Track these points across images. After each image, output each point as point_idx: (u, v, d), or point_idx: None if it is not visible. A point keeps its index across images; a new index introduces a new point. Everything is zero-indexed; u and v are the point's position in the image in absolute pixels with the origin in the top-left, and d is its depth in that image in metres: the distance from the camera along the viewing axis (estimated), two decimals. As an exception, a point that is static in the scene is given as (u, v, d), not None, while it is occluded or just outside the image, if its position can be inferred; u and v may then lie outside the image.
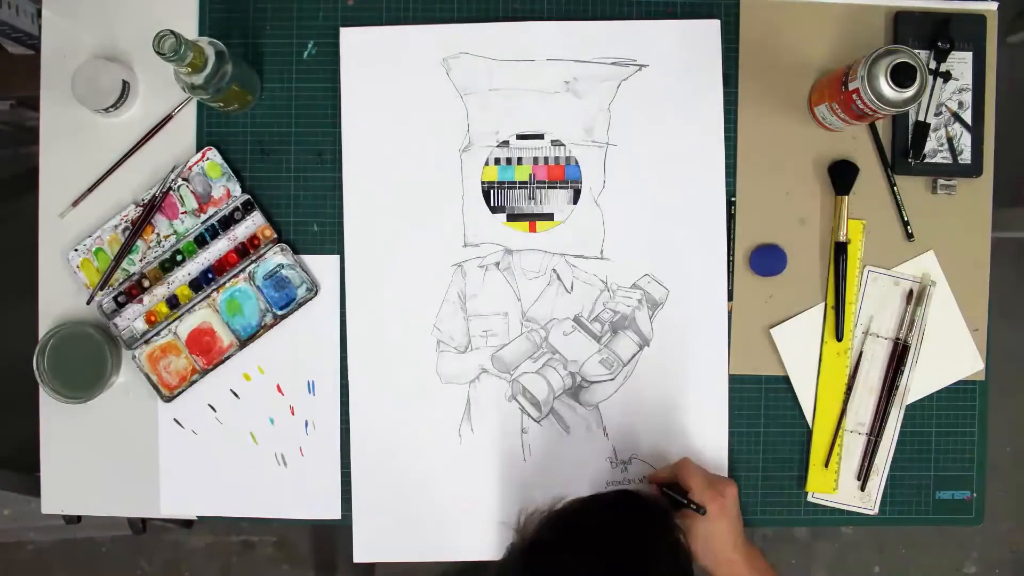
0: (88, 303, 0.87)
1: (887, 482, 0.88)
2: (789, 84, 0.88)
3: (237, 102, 0.84)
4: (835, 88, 0.80)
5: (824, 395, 0.88)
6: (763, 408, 0.89)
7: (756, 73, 0.88)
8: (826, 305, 0.88)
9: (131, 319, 0.87)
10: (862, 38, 0.88)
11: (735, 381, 0.88)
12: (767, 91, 0.88)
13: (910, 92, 0.74)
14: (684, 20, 0.87)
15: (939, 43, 0.86)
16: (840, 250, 0.86)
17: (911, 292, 0.87)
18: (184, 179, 0.86)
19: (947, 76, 0.87)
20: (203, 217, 0.87)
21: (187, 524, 1.64)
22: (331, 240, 0.88)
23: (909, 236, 0.87)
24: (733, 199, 0.88)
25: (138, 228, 0.86)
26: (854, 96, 0.77)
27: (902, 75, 0.74)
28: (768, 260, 0.87)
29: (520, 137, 0.87)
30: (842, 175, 0.86)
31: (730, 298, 0.88)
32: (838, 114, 0.82)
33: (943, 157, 0.87)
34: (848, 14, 0.88)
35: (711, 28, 0.87)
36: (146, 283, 0.87)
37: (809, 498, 0.88)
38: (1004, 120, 0.89)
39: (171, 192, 0.86)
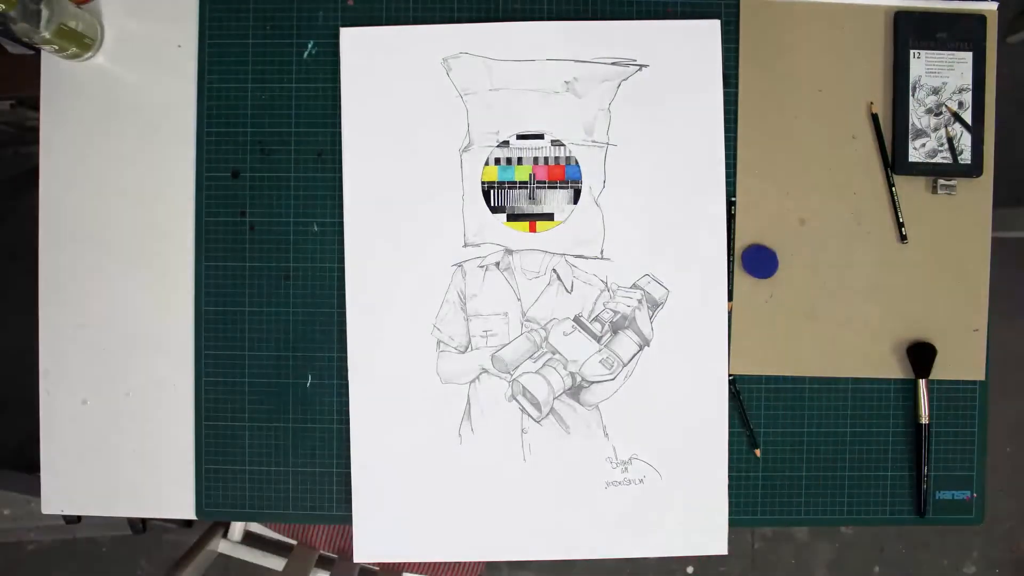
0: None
1: (889, 482, 0.88)
2: (789, 84, 0.88)
3: (75, 45, 0.84)
4: None
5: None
6: (763, 408, 0.89)
7: (756, 73, 0.88)
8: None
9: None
10: (862, 38, 0.88)
11: (735, 381, 0.88)
12: (767, 91, 0.88)
13: None
14: (684, 20, 0.87)
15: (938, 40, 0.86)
16: (920, 432, 0.88)
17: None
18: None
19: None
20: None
21: (187, 524, 1.64)
22: (331, 240, 0.88)
23: (903, 238, 0.88)
24: (733, 199, 0.88)
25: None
26: None
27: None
28: (759, 261, 0.87)
29: (520, 137, 0.87)
30: (921, 357, 0.87)
31: (730, 298, 0.88)
32: None
33: (943, 157, 0.87)
34: (848, 14, 0.88)
35: (711, 28, 0.87)
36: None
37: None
38: (1004, 120, 0.89)
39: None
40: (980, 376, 0.89)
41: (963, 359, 0.89)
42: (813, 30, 0.88)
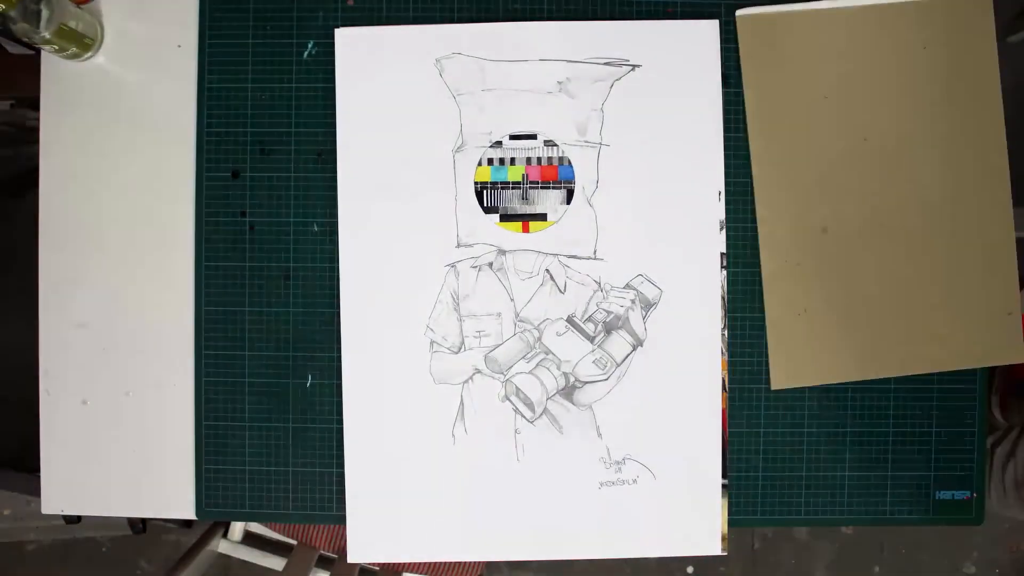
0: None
1: (889, 482, 0.88)
2: (794, 93, 0.87)
3: (75, 45, 0.85)
4: None
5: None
6: (763, 408, 0.88)
7: (761, 83, 0.87)
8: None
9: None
10: (861, 38, 0.87)
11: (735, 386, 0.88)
12: (774, 102, 0.87)
13: None
14: (681, 20, 0.87)
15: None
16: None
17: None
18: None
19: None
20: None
21: (187, 524, 1.65)
22: (331, 240, 0.88)
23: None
24: (729, 202, 0.87)
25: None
26: None
27: None
28: None
29: (513, 137, 0.87)
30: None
31: (730, 304, 0.88)
32: None
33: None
34: (848, 16, 0.87)
35: (709, 28, 0.87)
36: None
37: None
38: (1004, 120, 0.89)
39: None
40: (1021, 359, 0.87)
41: (1002, 343, 0.88)
42: (813, 30, 0.87)
